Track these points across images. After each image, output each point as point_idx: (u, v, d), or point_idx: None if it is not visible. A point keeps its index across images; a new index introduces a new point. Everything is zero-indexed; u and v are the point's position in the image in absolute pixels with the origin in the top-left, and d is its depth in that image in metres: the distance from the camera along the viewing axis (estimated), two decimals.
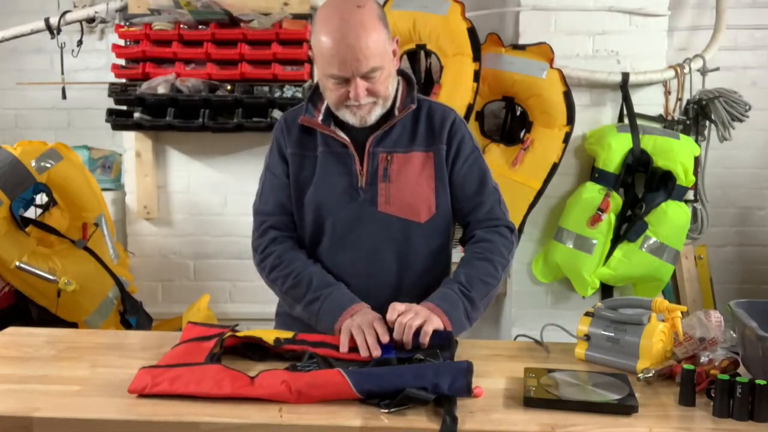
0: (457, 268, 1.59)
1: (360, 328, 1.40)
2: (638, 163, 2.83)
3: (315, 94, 1.63)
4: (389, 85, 1.54)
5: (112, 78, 3.03)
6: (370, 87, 1.49)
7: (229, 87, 2.95)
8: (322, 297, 1.52)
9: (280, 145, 1.65)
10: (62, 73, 3.19)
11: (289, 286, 1.57)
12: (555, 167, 2.84)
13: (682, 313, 1.36)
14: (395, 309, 1.42)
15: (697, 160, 2.87)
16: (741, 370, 1.30)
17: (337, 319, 1.47)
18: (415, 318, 1.40)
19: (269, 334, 1.44)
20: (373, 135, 1.57)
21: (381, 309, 1.48)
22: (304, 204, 1.61)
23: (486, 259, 1.57)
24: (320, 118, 1.59)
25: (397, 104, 1.59)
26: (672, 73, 2.94)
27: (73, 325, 2.62)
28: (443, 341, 1.38)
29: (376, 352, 1.35)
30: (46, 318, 2.59)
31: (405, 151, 1.59)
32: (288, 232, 1.64)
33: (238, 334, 1.43)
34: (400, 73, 1.63)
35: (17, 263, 2.48)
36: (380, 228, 1.58)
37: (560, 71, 2.81)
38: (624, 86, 2.90)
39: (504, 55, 2.86)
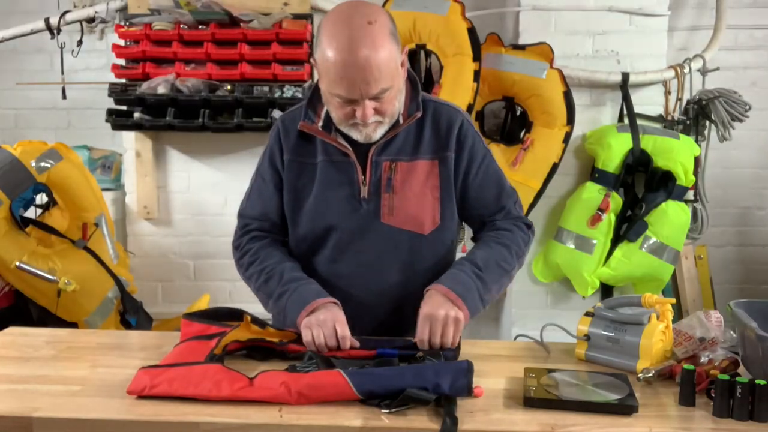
0: (472, 249, 1.54)
1: (319, 327, 1.37)
2: (638, 163, 2.83)
3: (314, 98, 1.54)
4: (397, 102, 1.47)
5: (112, 78, 3.03)
6: (377, 107, 1.42)
7: (229, 87, 2.95)
8: (290, 291, 1.47)
9: (273, 151, 1.58)
10: (62, 73, 3.19)
11: (262, 282, 1.54)
12: (555, 167, 2.84)
13: (680, 311, 1.36)
14: (424, 332, 1.39)
15: (697, 160, 2.87)
16: (741, 370, 1.30)
17: (299, 313, 1.42)
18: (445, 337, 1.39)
19: (271, 335, 1.44)
20: (376, 143, 1.50)
21: (383, 319, 1.47)
22: (302, 213, 1.55)
23: (503, 245, 1.53)
24: (320, 124, 1.52)
25: (402, 111, 1.51)
26: (672, 73, 2.94)
27: (73, 325, 2.62)
28: (449, 356, 1.40)
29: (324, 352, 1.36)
30: (46, 318, 2.59)
31: (409, 159, 1.52)
32: (270, 235, 1.60)
33: (240, 338, 1.42)
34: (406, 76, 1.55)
35: (17, 263, 2.48)
36: (383, 240, 1.52)
37: (560, 71, 2.81)
38: (624, 86, 2.90)
39: (504, 55, 2.86)
